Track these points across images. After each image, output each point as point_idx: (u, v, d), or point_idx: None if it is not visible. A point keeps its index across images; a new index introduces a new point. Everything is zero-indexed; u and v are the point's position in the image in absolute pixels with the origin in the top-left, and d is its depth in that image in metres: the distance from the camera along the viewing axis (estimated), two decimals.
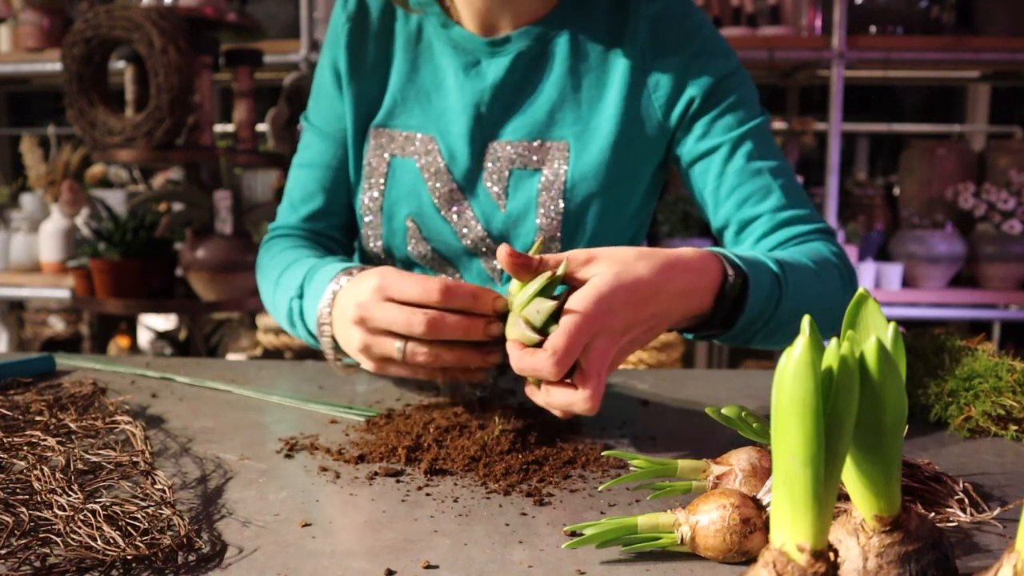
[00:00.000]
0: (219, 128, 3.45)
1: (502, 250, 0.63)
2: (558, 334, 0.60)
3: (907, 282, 2.83)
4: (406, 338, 0.68)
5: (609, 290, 0.61)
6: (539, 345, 0.61)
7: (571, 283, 0.64)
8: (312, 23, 2.73)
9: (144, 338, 3.28)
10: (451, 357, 0.68)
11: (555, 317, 0.61)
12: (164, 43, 2.04)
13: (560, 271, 0.62)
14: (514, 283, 0.66)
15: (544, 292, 0.62)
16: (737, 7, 2.82)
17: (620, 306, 0.62)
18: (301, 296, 0.84)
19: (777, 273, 0.75)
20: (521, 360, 0.61)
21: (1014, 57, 2.68)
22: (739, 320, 0.72)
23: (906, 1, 2.87)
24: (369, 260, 1.02)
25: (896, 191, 3.19)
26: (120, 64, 2.41)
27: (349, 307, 0.70)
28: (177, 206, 2.54)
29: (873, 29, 2.83)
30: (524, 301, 0.62)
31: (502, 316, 0.66)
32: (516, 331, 0.63)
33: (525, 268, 0.63)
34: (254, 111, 2.45)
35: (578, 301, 0.60)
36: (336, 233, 1.02)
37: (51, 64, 2.77)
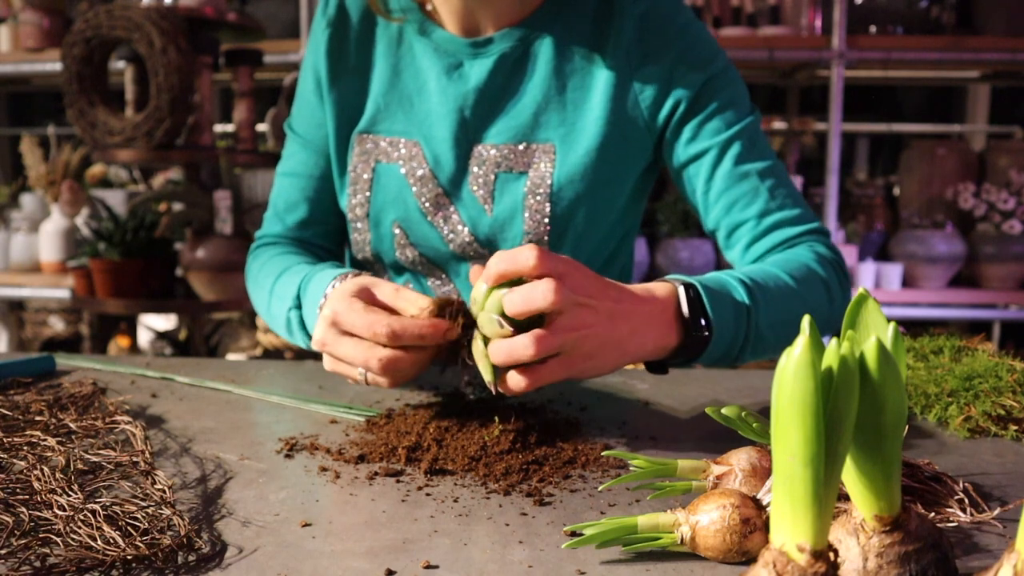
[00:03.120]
0: (219, 128, 3.45)
1: (474, 269, 0.67)
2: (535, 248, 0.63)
3: (907, 282, 2.83)
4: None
5: (574, 262, 0.65)
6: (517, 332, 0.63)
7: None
8: (312, 23, 2.73)
9: (144, 338, 3.28)
10: (417, 370, 0.69)
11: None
12: (164, 43, 2.04)
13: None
14: (476, 289, 0.66)
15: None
16: (737, 7, 2.82)
17: (589, 277, 0.64)
18: (299, 307, 0.85)
19: (743, 296, 0.75)
20: (500, 256, 0.63)
21: (1014, 57, 2.68)
22: (711, 348, 0.72)
23: (906, 1, 2.87)
24: (359, 266, 1.02)
25: (896, 191, 3.19)
26: (120, 64, 2.41)
27: (314, 335, 0.72)
28: (177, 206, 2.54)
29: (873, 29, 2.83)
30: (486, 293, 0.65)
31: (469, 325, 0.67)
32: (489, 328, 0.64)
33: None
34: (254, 111, 2.45)
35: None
36: (323, 241, 1.02)
37: (51, 64, 2.77)
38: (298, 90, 1.01)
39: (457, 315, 0.67)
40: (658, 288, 0.71)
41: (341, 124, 0.97)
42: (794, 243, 0.89)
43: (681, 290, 0.71)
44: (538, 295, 0.61)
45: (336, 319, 0.69)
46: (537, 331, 0.62)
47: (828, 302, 0.85)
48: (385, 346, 0.67)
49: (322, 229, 1.02)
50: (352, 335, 0.68)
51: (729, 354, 0.75)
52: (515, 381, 0.64)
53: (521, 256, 0.62)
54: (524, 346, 0.62)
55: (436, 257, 0.96)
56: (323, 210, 1.01)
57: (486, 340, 0.65)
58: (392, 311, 0.69)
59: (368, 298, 0.70)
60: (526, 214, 0.91)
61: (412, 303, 0.69)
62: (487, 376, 0.66)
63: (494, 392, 0.67)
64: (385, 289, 0.71)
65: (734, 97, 0.91)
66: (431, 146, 0.93)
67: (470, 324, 0.67)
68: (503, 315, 0.63)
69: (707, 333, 0.71)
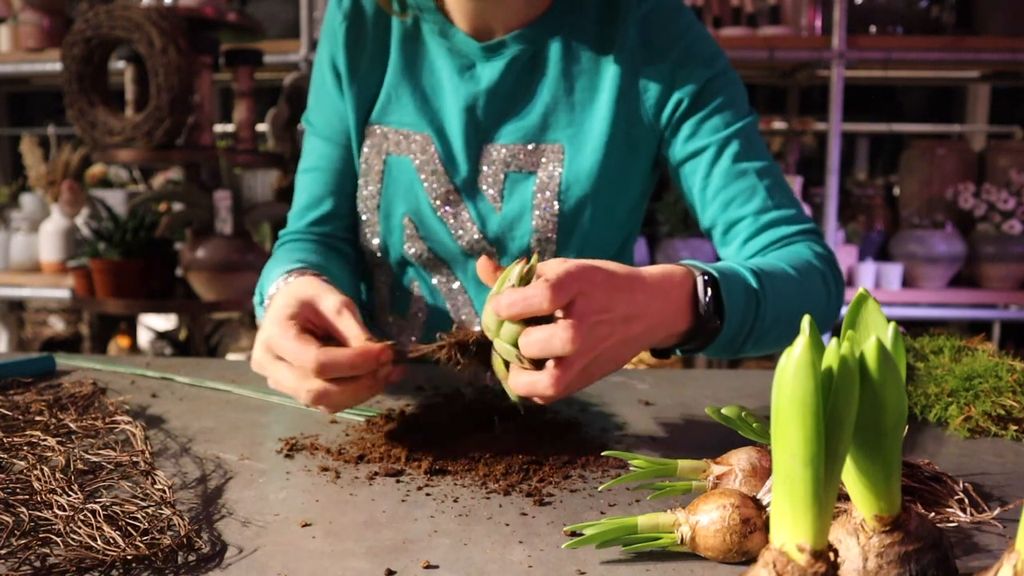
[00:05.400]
0: (219, 128, 3.44)
1: (482, 261, 0.63)
2: (549, 267, 0.59)
3: (907, 282, 2.83)
4: None
5: (589, 266, 0.61)
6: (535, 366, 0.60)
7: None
8: (312, 23, 2.73)
9: (144, 338, 3.28)
10: (351, 402, 0.66)
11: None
12: (164, 43, 2.04)
13: (532, 262, 0.61)
14: (487, 316, 0.63)
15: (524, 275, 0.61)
16: (737, 7, 2.82)
17: (602, 282, 0.61)
18: (262, 303, 0.85)
19: (753, 283, 0.74)
20: (514, 293, 0.59)
21: (1014, 57, 2.68)
22: (719, 336, 0.71)
23: (906, 1, 2.87)
24: (366, 258, 1.02)
25: (896, 191, 3.19)
26: (120, 64, 2.41)
27: (253, 354, 0.69)
28: (177, 206, 2.54)
29: (873, 29, 2.83)
30: (499, 322, 0.61)
31: (484, 344, 0.64)
32: (507, 355, 0.62)
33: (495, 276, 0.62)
34: (254, 111, 2.45)
35: (553, 265, 0.60)
36: (347, 235, 1.02)
37: (51, 64, 2.77)
38: (313, 86, 1.01)
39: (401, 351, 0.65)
40: (676, 274, 0.68)
41: (361, 116, 0.97)
42: (790, 241, 0.90)
43: (699, 281, 0.69)
44: (557, 344, 0.58)
45: (269, 343, 0.66)
46: (555, 371, 0.59)
47: (826, 297, 0.86)
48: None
49: (346, 222, 1.01)
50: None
51: (733, 343, 0.74)
52: (539, 402, 0.62)
53: (534, 298, 0.58)
54: (545, 386, 0.59)
55: (444, 253, 0.96)
56: (348, 203, 1.00)
57: (506, 362, 0.63)
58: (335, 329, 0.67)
59: (306, 317, 0.68)
60: (535, 213, 0.92)
61: (350, 330, 0.66)
62: (513, 397, 0.64)
63: (522, 412, 0.66)
64: (328, 304, 0.68)
65: (734, 97, 0.92)
66: (443, 143, 0.94)
67: (486, 344, 0.64)
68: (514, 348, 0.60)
69: (719, 323, 0.70)
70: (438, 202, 0.94)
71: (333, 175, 1.00)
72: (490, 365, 0.65)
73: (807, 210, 2.75)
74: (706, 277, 0.70)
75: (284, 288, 0.72)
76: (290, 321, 0.66)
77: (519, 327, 0.60)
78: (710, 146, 0.91)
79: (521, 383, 0.61)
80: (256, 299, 0.88)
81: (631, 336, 0.64)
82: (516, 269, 0.61)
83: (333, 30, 0.97)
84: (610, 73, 0.92)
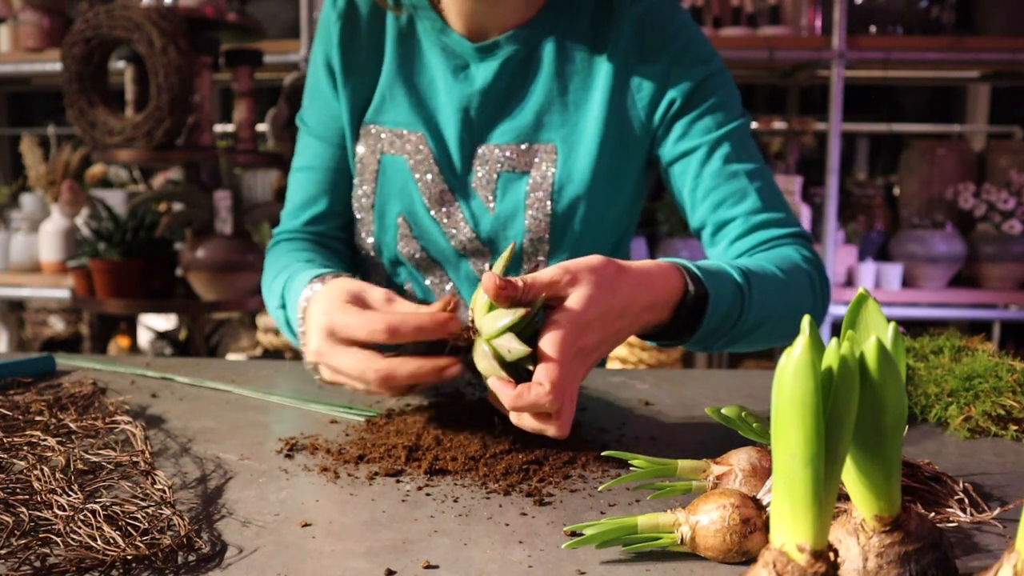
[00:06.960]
0: (219, 128, 3.45)
1: (488, 279, 0.60)
2: (550, 368, 0.59)
3: (907, 282, 2.83)
4: None
5: (586, 310, 0.61)
6: (517, 376, 0.61)
7: (550, 302, 0.63)
8: (312, 23, 2.73)
9: (144, 338, 3.28)
10: (413, 382, 0.66)
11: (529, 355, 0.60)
12: (164, 43, 2.05)
13: (537, 306, 0.61)
14: (479, 301, 0.63)
15: (516, 324, 0.60)
16: (737, 7, 2.82)
17: (596, 326, 0.62)
18: (284, 306, 0.85)
19: (741, 284, 0.75)
20: (519, 399, 0.59)
21: (1014, 57, 2.68)
22: (698, 331, 0.72)
23: (906, 1, 2.87)
24: (361, 257, 1.02)
25: (896, 191, 3.19)
26: (120, 64, 2.41)
27: (309, 345, 0.70)
28: (177, 206, 2.54)
29: (873, 29, 2.83)
30: (495, 332, 0.61)
31: (466, 339, 0.65)
32: (485, 363, 0.62)
33: (510, 298, 0.61)
34: (254, 111, 2.45)
35: (559, 326, 0.60)
36: (341, 233, 1.02)
37: (51, 64, 2.77)
38: (308, 85, 1.01)
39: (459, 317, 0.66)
40: (669, 282, 0.69)
41: (355, 116, 0.97)
42: (778, 243, 0.90)
43: (691, 288, 0.70)
44: (549, 433, 0.61)
45: (332, 327, 0.67)
46: (534, 424, 0.61)
47: (812, 299, 0.86)
48: (383, 349, 0.65)
49: (340, 221, 1.01)
50: (349, 344, 0.66)
51: (709, 339, 0.75)
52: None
53: (541, 406, 0.59)
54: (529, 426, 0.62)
55: (436, 253, 0.96)
56: (340, 202, 1.00)
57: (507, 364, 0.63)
58: None
59: (361, 304, 0.69)
60: (528, 213, 0.92)
61: (406, 308, 0.68)
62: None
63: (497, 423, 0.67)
64: (376, 295, 0.70)
65: (726, 99, 0.92)
66: (437, 143, 0.94)
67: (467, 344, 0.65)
68: (498, 357, 0.61)
69: (698, 325, 0.72)
70: (432, 201, 0.94)
71: (327, 174, 1.00)
72: (469, 359, 0.65)
73: (806, 212, 2.77)
74: (695, 281, 0.70)
75: (326, 287, 0.73)
76: (348, 304, 0.68)
77: (518, 349, 0.60)
78: (701, 146, 0.91)
79: (528, 425, 0.62)
80: (275, 302, 0.87)
81: (612, 348, 0.67)
82: (510, 316, 0.60)
83: (328, 29, 0.97)
84: (604, 72, 0.92)
